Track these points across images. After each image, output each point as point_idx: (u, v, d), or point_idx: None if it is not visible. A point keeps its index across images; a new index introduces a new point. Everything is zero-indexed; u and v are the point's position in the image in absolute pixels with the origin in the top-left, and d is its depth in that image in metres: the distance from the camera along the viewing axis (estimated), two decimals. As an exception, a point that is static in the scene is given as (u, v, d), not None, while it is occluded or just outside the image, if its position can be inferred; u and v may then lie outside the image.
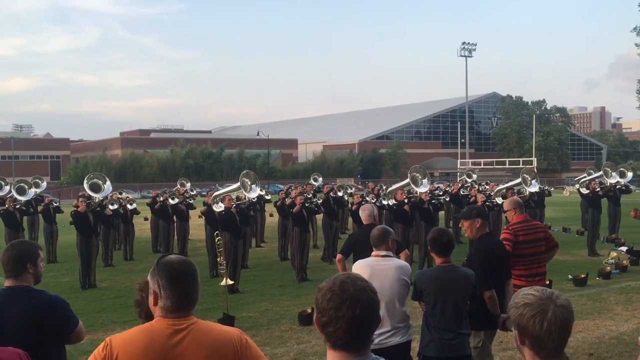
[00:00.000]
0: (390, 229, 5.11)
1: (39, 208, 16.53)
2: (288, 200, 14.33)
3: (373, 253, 4.88)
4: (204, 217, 14.66)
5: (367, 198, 15.72)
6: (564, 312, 1.88)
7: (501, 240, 5.67)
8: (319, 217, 15.99)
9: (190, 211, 16.80)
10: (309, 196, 15.05)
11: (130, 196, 22.06)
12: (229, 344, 2.32)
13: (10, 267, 3.30)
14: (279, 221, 15.93)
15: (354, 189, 22.78)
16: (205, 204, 14.32)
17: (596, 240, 15.16)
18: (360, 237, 6.26)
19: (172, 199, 16.43)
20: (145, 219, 20.76)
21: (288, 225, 14.63)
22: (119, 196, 17.43)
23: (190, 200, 17.77)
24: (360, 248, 5.86)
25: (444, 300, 4.48)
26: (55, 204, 16.93)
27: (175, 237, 16.49)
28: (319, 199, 15.35)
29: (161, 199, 16.69)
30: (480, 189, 18.43)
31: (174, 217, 16.52)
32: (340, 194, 17.80)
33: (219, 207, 12.14)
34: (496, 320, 5.03)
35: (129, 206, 16.70)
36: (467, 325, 4.63)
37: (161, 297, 2.30)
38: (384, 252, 4.83)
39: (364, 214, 6.74)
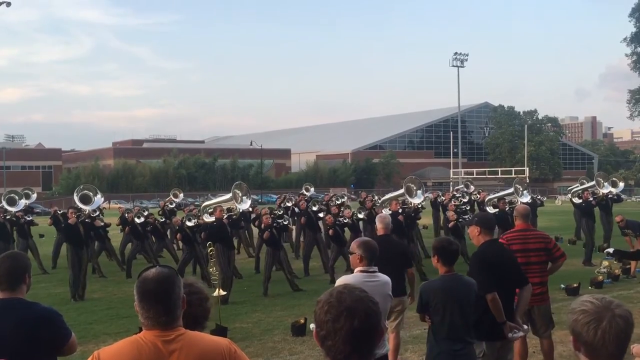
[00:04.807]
0: None
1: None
2: (257, 221, 14.03)
3: (360, 268, 4.49)
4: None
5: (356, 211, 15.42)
6: (621, 322, 1.87)
7: (505, 246, 5.51)
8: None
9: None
10: (279, 213, 14.72)
11: (123, 207, 22.01)
12: (217, 353, 2.31)
13: (8, 278, 3.21)
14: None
15: (346, 198, 22.78)
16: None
17: (593, 249, 15.08)
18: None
19: (139, 217, 15.37)
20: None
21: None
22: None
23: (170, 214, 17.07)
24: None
25: (452, 310, 4.42)
26: (28, 218, 16.19)
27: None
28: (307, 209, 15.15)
29: (127, 216, 15.69)
30: (473, 198, 18.49)
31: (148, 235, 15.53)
32: (338, 202, 17.58)
33: (209, 218, 12.11)
34: (502, 329, 4.77)
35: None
36: (473, 335, 4.58)
37: (139, 313, 2.29)
38: (373, 267, 4.58)
39: (383, 222, 6.54)
